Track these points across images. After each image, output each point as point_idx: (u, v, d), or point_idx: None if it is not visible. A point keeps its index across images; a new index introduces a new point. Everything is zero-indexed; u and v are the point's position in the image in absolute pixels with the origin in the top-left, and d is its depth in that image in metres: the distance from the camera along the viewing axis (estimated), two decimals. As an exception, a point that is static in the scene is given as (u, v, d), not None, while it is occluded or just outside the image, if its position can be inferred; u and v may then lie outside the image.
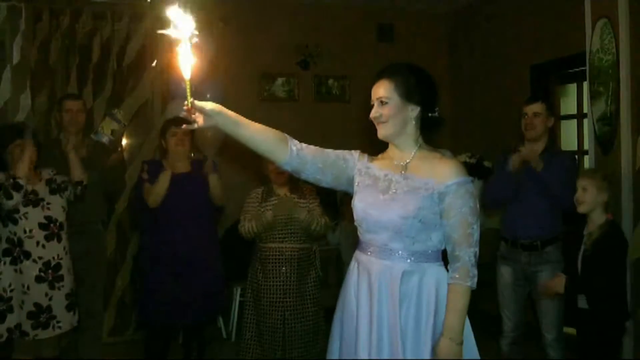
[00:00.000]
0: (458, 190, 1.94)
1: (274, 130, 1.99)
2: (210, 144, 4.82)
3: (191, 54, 1.78)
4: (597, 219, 2.89)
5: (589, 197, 2.88)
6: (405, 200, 1.96)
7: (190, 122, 1.86)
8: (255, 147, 1.96)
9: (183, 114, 1.87)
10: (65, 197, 3.33)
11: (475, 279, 1.94)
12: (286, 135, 2.01)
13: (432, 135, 2.08)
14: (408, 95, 1.99)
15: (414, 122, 2.02)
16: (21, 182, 3.07)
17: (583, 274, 2.89)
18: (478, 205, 1.98)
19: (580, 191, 2.91)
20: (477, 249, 1.95)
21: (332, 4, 5.77)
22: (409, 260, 1.98)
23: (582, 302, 2.91)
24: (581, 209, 2.92)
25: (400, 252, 1.98)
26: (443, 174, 1.96)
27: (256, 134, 1.94)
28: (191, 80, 1.80)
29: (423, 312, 1.96)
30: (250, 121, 1.95)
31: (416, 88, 2.00)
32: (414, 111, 2.01)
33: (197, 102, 1.83)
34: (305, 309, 3.38)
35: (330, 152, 2.09)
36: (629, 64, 3.35)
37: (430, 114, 2.03)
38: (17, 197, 3.06)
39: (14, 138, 3.19)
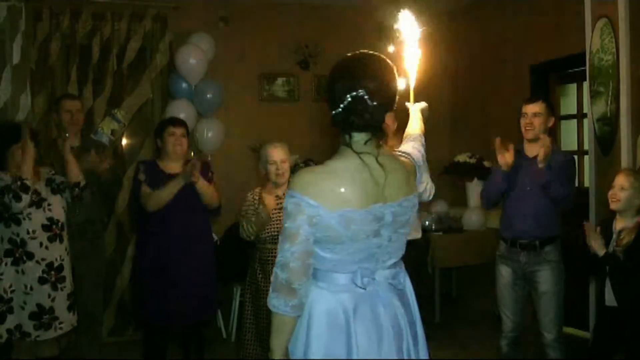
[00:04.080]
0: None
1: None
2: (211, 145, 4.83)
3: (416, 64, 2.16)
4: (628, 220, 2.90)
5: (625, 196, 2.90)
6: None
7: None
8: None
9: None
10: (64, 198, 3.33)
11: (273, 302, 1.71)
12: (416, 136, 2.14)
13: (349, 133, 1.70)
14: None
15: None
16: (28, 183, 3.05)
17: (613, 275, 2.89)
18: (290, 228, 1.64)
19: (617, 189, 2.92)
20: (278, 270, 1.68)
21: (333, 4, 5.76)
22: None
23: (609, 300, 2.93)
24: (614, 207, 2.94)
25: None
26: None
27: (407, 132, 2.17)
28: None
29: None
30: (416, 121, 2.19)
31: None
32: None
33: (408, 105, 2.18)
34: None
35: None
36: (629, 64, 3.35)
37: (333, 111, 1.69)
38: (25, 198, 3.03)
39: (16, 139, 3.15)
